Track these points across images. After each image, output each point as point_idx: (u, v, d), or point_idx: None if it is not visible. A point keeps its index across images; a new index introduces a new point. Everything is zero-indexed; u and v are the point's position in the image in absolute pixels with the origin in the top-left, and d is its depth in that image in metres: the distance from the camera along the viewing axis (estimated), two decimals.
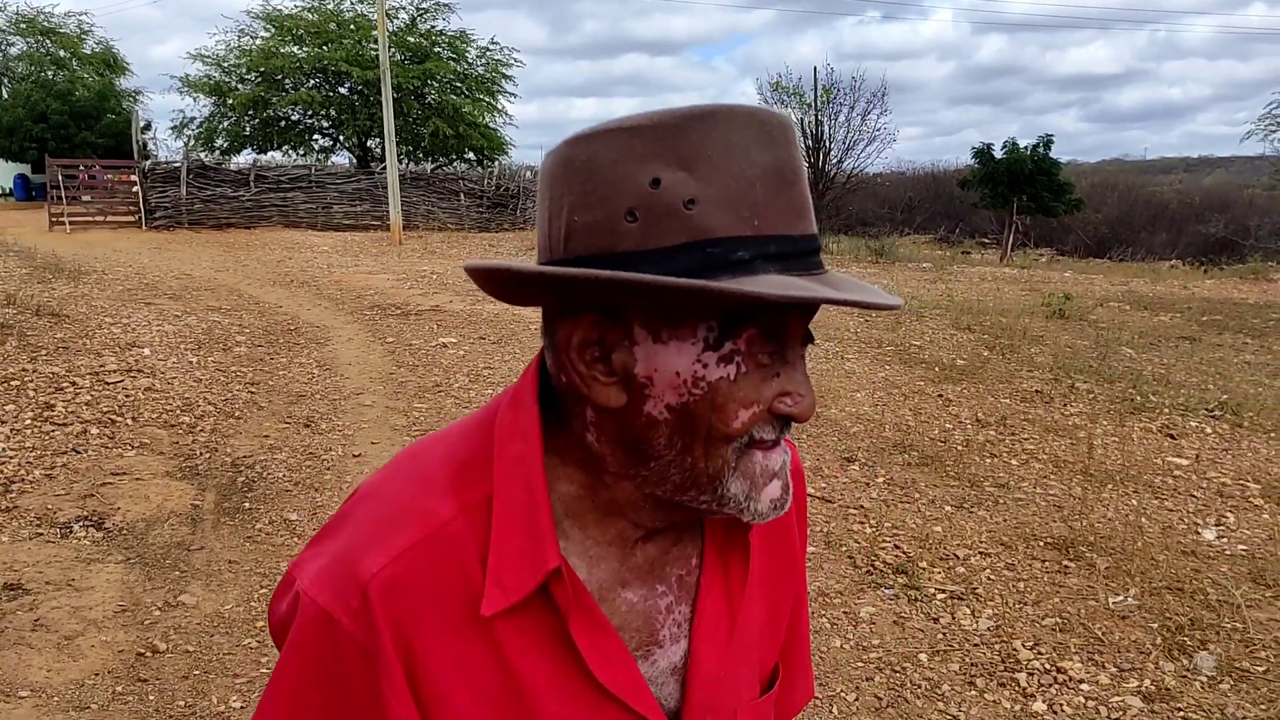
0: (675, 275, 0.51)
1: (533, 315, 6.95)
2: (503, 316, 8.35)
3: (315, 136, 25.36)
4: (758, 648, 0.70)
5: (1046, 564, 3.47)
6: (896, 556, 3.53)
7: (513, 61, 25.97)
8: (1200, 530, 3.82)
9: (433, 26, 24.85)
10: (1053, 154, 19.48)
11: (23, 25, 31.48)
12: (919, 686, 2.68)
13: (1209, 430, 5.22)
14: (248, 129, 24.32)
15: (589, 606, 0.58)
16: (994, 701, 2.62)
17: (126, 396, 5.29)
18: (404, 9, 24.28)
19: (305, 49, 23.70)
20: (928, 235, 26.58)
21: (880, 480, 4.38)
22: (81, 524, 3.62)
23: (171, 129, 25.89)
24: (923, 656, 2.84)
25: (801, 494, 0.70)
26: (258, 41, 23.99)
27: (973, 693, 2.66)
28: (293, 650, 0.57)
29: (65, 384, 5.39)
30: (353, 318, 8.48)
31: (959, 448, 4.86)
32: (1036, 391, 6.04)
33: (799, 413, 0.57)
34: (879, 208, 27.27)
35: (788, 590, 0.75)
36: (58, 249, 12.88)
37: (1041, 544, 3.64)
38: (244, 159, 23.09)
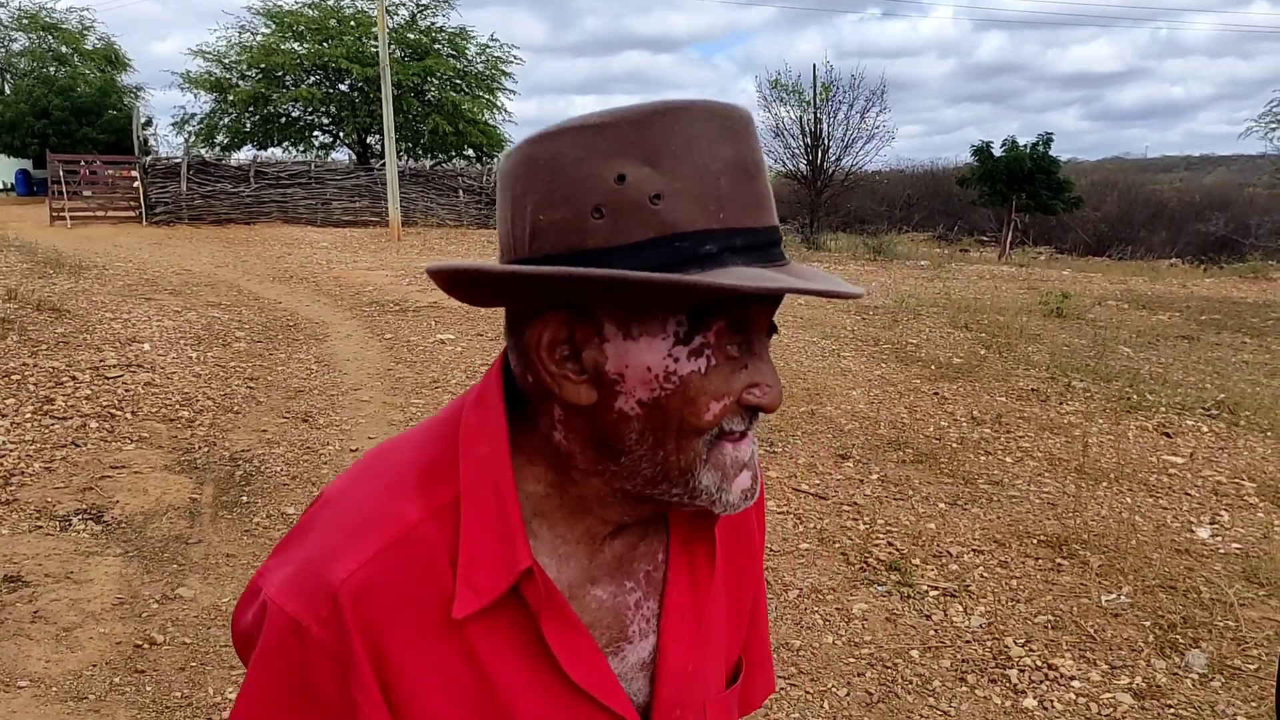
0: (645, 270, 0.52)
1: None
2: (500, 313, 8.35)
3: (315, 133, 25.37)
4: (722, 641, 0.71)
5: (1039, 561, 3.49)
6: (890, 553, 3.55)
7: (512, 58, 25.95)
8: (1194, 529, 3.84)
9: (433, 23, 24.85)
10: (1053, 152, 19.49)
11: (25, 21, 31.45)
12: (910, 682, 2.70)
13: (1205, 429, 5.24)
14: (248, 125, 24.33)
15: (560, 605, 0.58)
16: (985, 698, 2.64)
17: (126, 391, 5.31)
18: (404, 5, 24.29)
19: (306, 45, 23.70)
20: (926, 233, 26.58)
21: (874, 477, 4.40)
22: (80, 517, 3.64)
23: (172, 125, 25.90)
24: (914, 653, 2.86)
25: (759, 490, 0.71)
26: (258, 38, 23.99)
27: (963, 689, 2.68)
28: (262, 661, 0.56)
29: (65, 378, 5.40)
30: (351, 314, 8.49)
31: (954, 445, 4.87)
32: (1032, 390, 6.06)
33: (767, 403, 0.58)
34: (877, 205, 27.27)
35: (749, 583, 0.75)
36: (59, 244, 12.89)
37: (1035, 542, 3.66)
38: (244, 155, 23.13)
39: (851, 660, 2.82)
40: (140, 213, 17.84)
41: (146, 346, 6.44)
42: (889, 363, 6.85)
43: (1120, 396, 5.90)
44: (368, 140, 24.64)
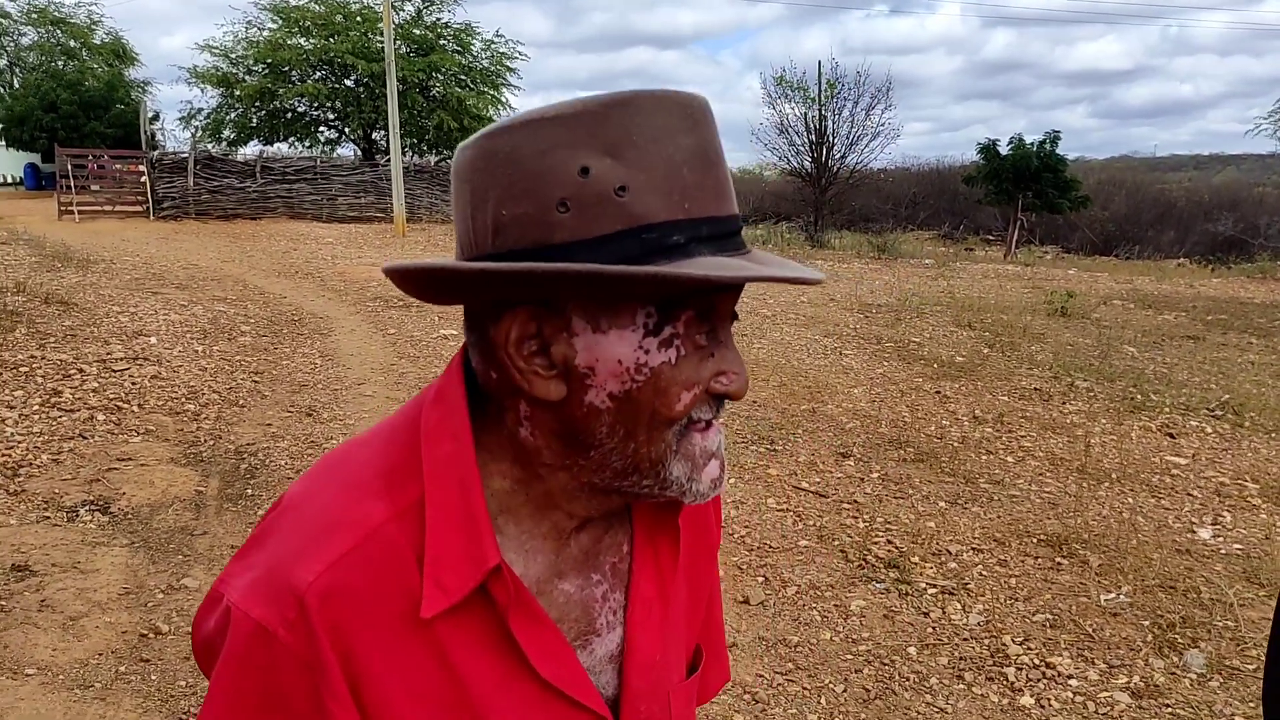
0: (613, 263, 0.51)
1: None
2: None
3: (321, 128, 25.43)
4: (684, 631, 0.71)
5: (1039, 561, 3.50)
6: (889, 551, 3.56)
7: (517, 54, 25.98)
8: (1196, 529, 3.84)
9: (438, 19, 24.86)
10: (1060, 150, 19.40)
11: (34, 15, 31.58)
12: (907, 679, 2.72)
13: (1209, 430, 5.23)
14: (254, 120, 24.39)
15: (527, 602, 0.58)
16: (981, 695, 2.65)
17: (133, 384, 5.35)
18: (409, 1, 24.30)
19: (312, 41, 23.74)
20: (931, 232, 26.52)
21: (875, 476, 4.41)
22: (88, 508, 3.67)
23: (179, 120, 25.95)
24: (912, 650, 2.87)
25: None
26: (265, 33, 24.04)
27: (960, 686, 2.69)
28: (227, 668, 0.55)
29: (73, 371, 5.44)
30: (355, 309, 8.53)
31: (955, 444, 4.88)
32: (1035, 389, 6.05)
33: (734, 390, 0.58)
34: (882, 204, 27.21)
35: (707, 573, 0.76)
36: (66, 238, 12.95)
37: (1035, 541, 3.67)
38: (250, 150, 23.20)
39: (849, 657, 2.83)
40: (147, 207, 17.91)
41: (153, 340, 6.48)
42: (891, 361, 6.85)
43: (1124, 396, 5.90)
44: (373, 136, 24.68)
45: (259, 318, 7.80)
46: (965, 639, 2.94)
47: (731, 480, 4.28)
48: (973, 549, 3.60)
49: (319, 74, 23.99)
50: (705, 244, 0.54)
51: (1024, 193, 19.34)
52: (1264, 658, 2.82)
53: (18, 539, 3.36)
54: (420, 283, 0.57)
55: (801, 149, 20.26)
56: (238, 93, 23.56)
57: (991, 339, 7.74)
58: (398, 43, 20.80)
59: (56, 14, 31.65)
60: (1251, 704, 2.61)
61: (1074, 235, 25.14)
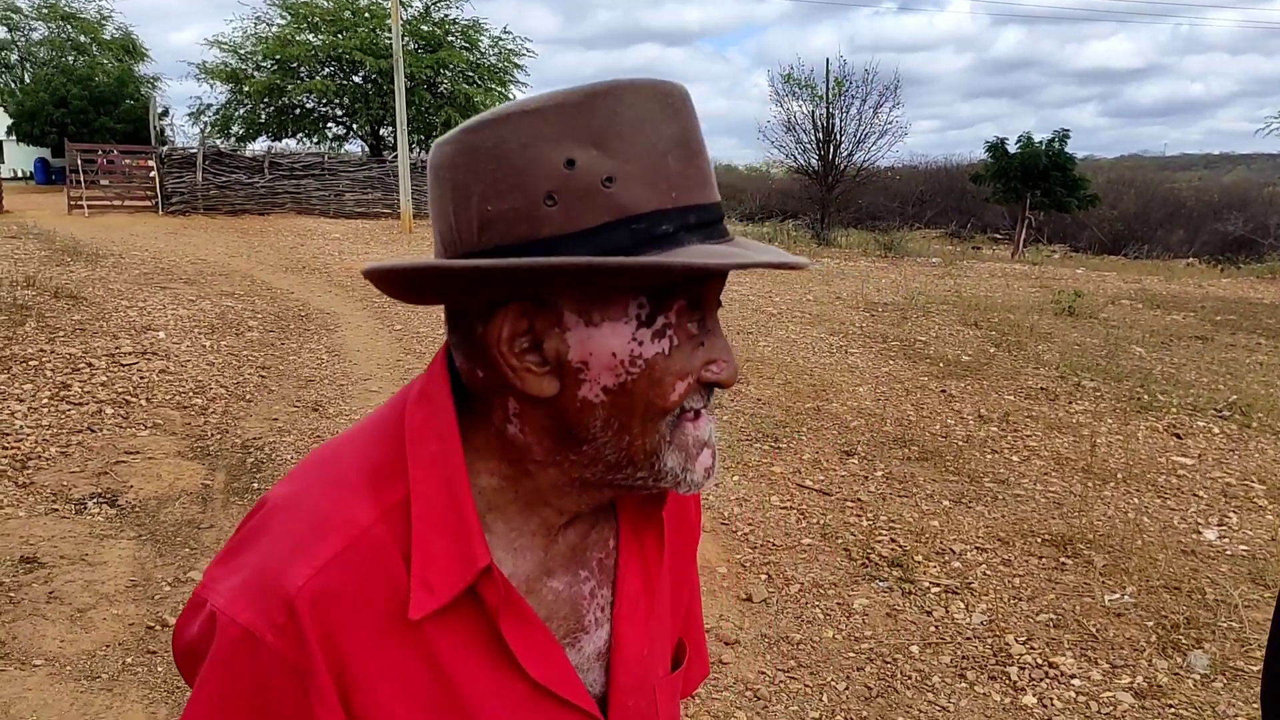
0: (604, 255, 0.51)
1: None
2: None
3: (329, 124, 25.50)
4: (668, 625, 0.71)
5: (1043, 560, 3.49)
6: (892, 549, 3.56)
7: (525, 51, 26.01)
8: (1201, 530, 3.83)
9: (446, 15, 24.89)
10: (1069, 149, 19.30)
11: (45, 10, 31.73)
12: (909, 677, 2.72)
13: (1216, 430, 5.21)
14: (263, 116, 24.47)
15: (516, 602, 0.57)
16: (984, 694, 2.65)
17: (141, 378, 5.38)
18: None
19: (320, 37, 23.80)
20: (939, 230, 26.43)
21: (879, 474, 4.40)
22: (95, 501, 3.70)
23: (188, 115, 26.13)
24: (914, 648, 2.87)
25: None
26: (274, 29, 24.12)
27: (963, 685, 2.69)
28: (212, 675, 0.54)
29: (82, 365, 5.48)
30: (362, 305, 8.55)
31: (960, 443, 4.87)
32: (1041, 389, 6.04)
33: (725, 378, 0.58)
34: (889, 202, 27.12)
35: (688, 566, 0.76)
36: (76, 232, 13.03)
37: (1039, 540, 3.66)
38: (259, 146, 23.31)
39: (851, 655, 2.84)
40: (156, 202, 17.98)
41: (161, 334, 6.51)
42: (897, 360, 6.84)
43: (1131, 396, 5.88)
44: (380, 132, 24.74)
45: (266, 313, 7.83)
46: (968, 638, 2.94)
47: (735, 477, 4.29)
48: (976, 548, 3.59)
49: (327, 70, 24.05)
50: (693, 232, 0.54)
51: (1032, 191, 19.26)
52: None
53: (26, 531, 3.38)
54: (404, 283, 0.56)
55: (808, 147, 20.21)
56: (246, 88, 23.64)
57: (998, 338, 7.72)
58: (406, 39, 20.83)
59: (67, 9, 31.79)
60: (1255, 705, 2.60)
61: (1082, 234, 25.03)
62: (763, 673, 2.72)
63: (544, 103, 0.52)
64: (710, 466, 0.59)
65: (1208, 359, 7.22)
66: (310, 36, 23.92)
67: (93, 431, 4.47)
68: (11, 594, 2.93)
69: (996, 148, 19.77)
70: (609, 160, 0.51)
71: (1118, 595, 3.21)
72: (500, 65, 25.60)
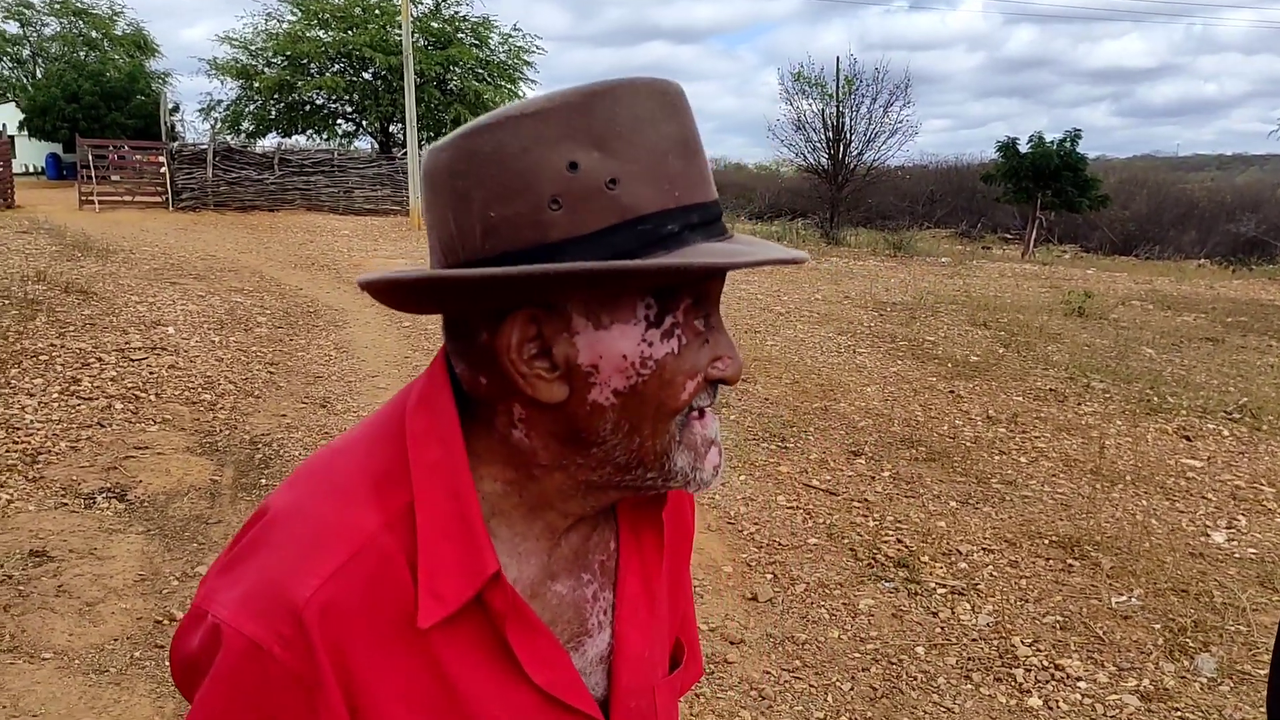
0: (612, 258, 0.51)
1: None
2: None
3: (339, 121, 25.59)
4: (666, 625, 0.71)
5: (1050, 562, 3.48)
6: (899, 550, 3.55)
7: (535, 48, 26.06)
8: (1210, 532, 3.81)
9: (456, 12, 24.93)
10: (1081, 149, 19.15)
11: (57, 6, 31.92)
12: (915, 679, 2.71)
13: (1226, 433, 5.18)
14: (273, 112, 24.57)
15: (521, 608, 0.57)
16: (989, 696, 2.64)
17: (150, 373, 5.41)
18: None
19: (331, 33, 23.87)
20: (948, 230, 26.31)
21: (886, 474, 4.39)
22: (104, 495, 3.72)
23: (199, 111, 26.18)
24: (920, 650, 2.87)
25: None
26: (284, 25, 24.21)
27: (968, 687, 2.68)
28: (216, 689, 0.53)
29: (92, 359, 5.51)
30: (370, 302, 8.44)
31: (968, 444, 4.86)
32: (1050, 390, 6.01)
33: (731, 374, 0.58)
34: (899, 201, 27.02)
35: (683, 567, 0.76)
36: (87, 227, 13.10)
37: (1046, 542, 3.65)
38: (269, 142, 23.38)
39: (857, 655, 2.83)
40: (166, 198, 18.07)
41: (171, 330, 6.55)
42: (905, 360, 6.82)
43: (1140, 398, 5.85)
44: (390, 129, 24.80)
45: (275, 309, 7.86)
46: (974, 639, 2.93)
47: (741, 477, 4.29)
48: (983, 549, 3.58)
49: (337, 67, 24.12)
50: (697, 231, 0.54)
51: (1043, 191, 19.15)
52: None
53: (36, 525, 3.41)
54: (407, 294, 0.55)
55: (818, 145, 20.15)
56: (257, 85, 23.73)
57: (1007, 338, 7.69)
58: (416, 36, 20.86)
59: (79, 5, 31.98)
60: (1262, 709, 2.59)
61: (1093, 234, 24.90)
62: (767, 672, 2.72)
63: (543, 105, 0.52)
64: (718, 464, 0.60)
65: (1218, 361, 7.17)
66: (320, 33, 23.99)
67: (102, 426, 4.50)
68: (21, 587, 2.95)
69: (1008, 147, 19.66)
70: (611, 161, 0.51)
71: (1125, 598, 3.20)
72: (510, 62, 25.63)
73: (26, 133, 27.87)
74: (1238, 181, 39.35)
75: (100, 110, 26.21)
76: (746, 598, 3.16)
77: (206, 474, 4.05)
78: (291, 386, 5.50)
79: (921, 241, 19.16)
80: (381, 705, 0.54)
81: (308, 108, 24.69)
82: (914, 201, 27.59)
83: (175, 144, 19.05)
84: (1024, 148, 19.41)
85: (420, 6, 23.89)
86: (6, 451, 4.05)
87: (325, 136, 25.25)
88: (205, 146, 18.63)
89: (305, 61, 23.81)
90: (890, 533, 3.72)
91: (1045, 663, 2.80)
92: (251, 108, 24.57)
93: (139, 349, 5.89)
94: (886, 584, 3.29)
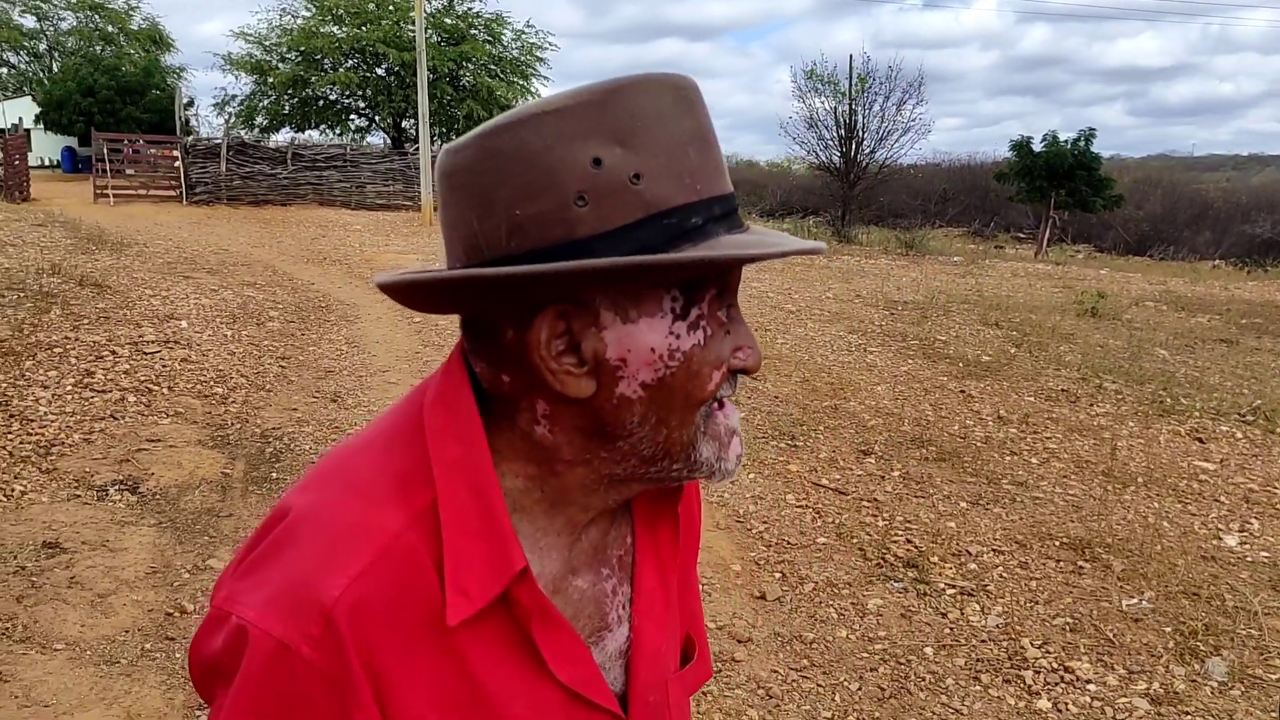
0: (638, 252, 0.51)
1: None
2: None
3: (351, 116, 25.70)
4: (678, 620, 0.72)
5: (1061, 564, 3.46)
6: (908, 550, 3.54)
7: (548, 45, 26.09)
8: (1222, 536, 3.78)
9: (469, 9, 24.97)
10: (1095, 148, 19.05)
11: (74, 1, 32.14)
12: (923, 679, 2.71)
13: (1239, 435, 5.14)
14: (287, 107, 24.69)
15: (545, 605, 0.57)
16: (998, 698, 2.63)
17: (163, 366, 5.44)
18: None
19: (344, 29, 23.95)
20: (961, 229, 26.19)
21: (896, 474, 4.38)
22: (117, 488, 3.75)
23: (213, 106, 26.43)
24: (928, 650, 2.86)
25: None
26: (298, 21, 24.32)
27: (977, 688, 2.67)
28: (245, 691, 0.52)
29: (105, 352, 5.55)
30: (381, 296, 8.46)
31: (978, 444, 4.83)
32: (1063, 390, 5.97)
33: (752, 364, 0.58)
34: (911, 199, 26.91)
35: (692, 562, 0.76)
36: (101, 221, 13.19)
37: (1057, 544, 3.63)
38: (282, 137, 23.52)
39: (865, 655, 2.82)
40: (180, 192, 18.18)
41: (184, 324, 6.59)
42: (916, 359, 6.79)
43: (1153, 400, 5.80)
44: (403, 125, 24.87)
45: (287, 303, 7.90)
46: (983, 641, 2.92)
47: (751, 475, 4.28)
48: (993, 550, 3.57)
49: (351, 62, 24.21)
50: (719, 223, 0.55)
51: (1057, 190, 19.03)
52: None
53: (49, 516, 3.44)
54: (427, 294, 0.55)
55: (830, 143, 20.09)
56: (271, 80, 23.85)
57: (1019, 338, 7.64)
58: (429, 32, 20.89)
59: (95, 0, 32.18)
60: (1273, 714, 2.57)
61: (1107, 234, 24.73)
62: (775, 671, 2.72)
63: (563, 103, 0.52)
64: (740, 454, 0.61)
65: (1232, 363, 7.11)
66: (334, 29, 24.08)
67: (115, 419, 4.53)
68: (34, 579, 2.98)
69: (1021, 146, 19.55)
70: (634, 157, 0.52)
71: (1136, 600, 3.18)
72: (523, 59, 25.67)
73: (42, 126, 28.09)
74: (1253, 182, 38.97)
75: (115, 104, 26.38)
76: (755, 596, 3.16)
77: (218, 467, 4.08)
78: (303, 381, 5.52)
79: (934, 240, 19.07)
80: (409, 704, 0.54)
81: (321, 103, 24.79)
82: (926, 200, 27.46)
83: (189, 138, 19.17)
84: (1038, 147, 19.30)
85: (433, 3, 23.94)
86: (21, 443, 4.08)
87: (338, 132, 25.37)
88: (219, 141, 18.74)
89: (319, 57, 23.91)
90: (900, 533, 3.70)
91: (1055, 665, 2.78)
92: (265, 103, 24.69)
93: (152, 342, 5.93)
94: (895, 584, 3.28)
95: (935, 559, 3.46)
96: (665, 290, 0.54)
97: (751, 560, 3.43)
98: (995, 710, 2.57)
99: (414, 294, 0.56)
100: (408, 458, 0.57)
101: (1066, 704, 2.60)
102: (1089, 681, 2.70)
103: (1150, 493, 4.24)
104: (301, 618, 0.52)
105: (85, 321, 6.26)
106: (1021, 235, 25.29)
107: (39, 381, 4.90)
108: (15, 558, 3.09)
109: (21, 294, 6.62)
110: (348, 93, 24.65)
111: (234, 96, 25.26)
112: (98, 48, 31.33)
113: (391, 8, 24.09)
